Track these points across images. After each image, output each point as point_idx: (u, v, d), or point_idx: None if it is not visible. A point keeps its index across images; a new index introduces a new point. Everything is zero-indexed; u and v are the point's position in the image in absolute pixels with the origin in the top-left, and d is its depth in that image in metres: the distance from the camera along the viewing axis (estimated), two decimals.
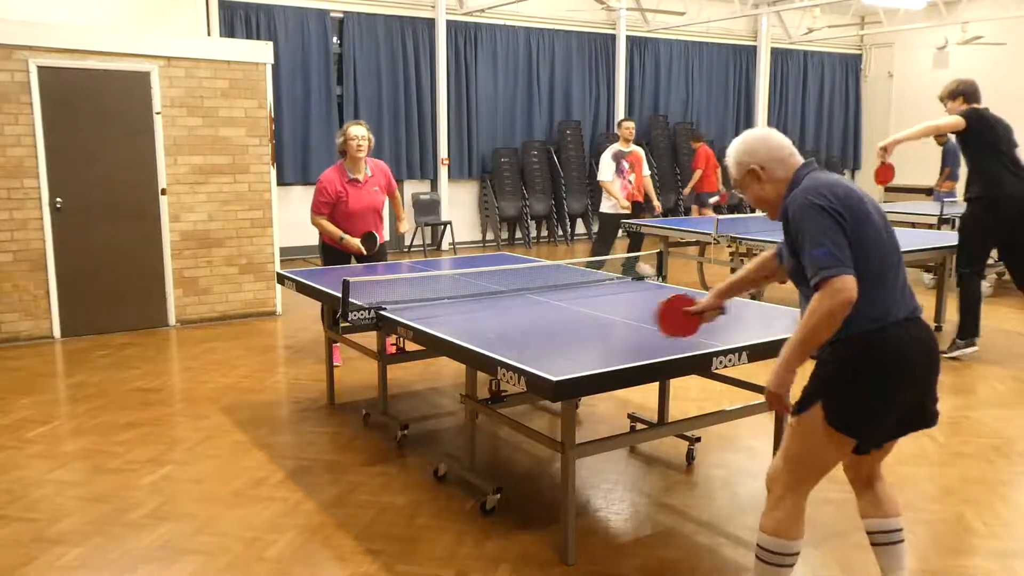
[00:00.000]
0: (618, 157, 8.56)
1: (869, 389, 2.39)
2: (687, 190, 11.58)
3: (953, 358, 5.82)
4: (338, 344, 5.57)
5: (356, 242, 5.37)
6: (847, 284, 2.26)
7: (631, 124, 8.72)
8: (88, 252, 6.59)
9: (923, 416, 2.56)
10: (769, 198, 2.54)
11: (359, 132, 5.41)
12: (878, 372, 2.39)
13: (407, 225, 5.76)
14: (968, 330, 5.89)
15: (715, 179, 11.32)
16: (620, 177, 8.56)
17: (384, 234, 5.67)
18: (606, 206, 8.62)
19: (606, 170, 8.56)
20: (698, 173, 11.23)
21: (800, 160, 2.53)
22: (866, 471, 2.68)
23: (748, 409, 3.65)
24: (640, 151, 8.79)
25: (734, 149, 2.57)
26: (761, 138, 2.55)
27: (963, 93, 5.78)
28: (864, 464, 2.66)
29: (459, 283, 4.58)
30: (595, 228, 13.16)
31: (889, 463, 4.00)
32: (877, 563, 2.69)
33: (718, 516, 3.49)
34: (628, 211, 8.56)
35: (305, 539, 3.28)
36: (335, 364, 5.54)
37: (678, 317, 2.87)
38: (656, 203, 9.16)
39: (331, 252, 5.55)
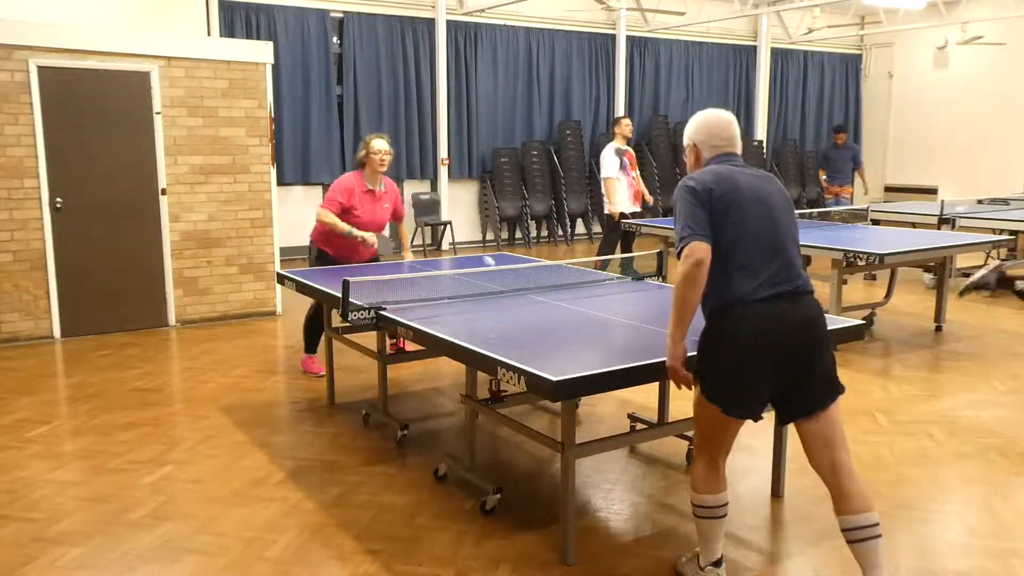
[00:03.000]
0: (620, 154, 8.52)
1: (719, 363, 2.67)
2: None
3: None
4: (315, 355, 5.56)
5: (369, 235, 5.20)
6: (695, 249, 2.57)
7: (630, 123, 8.68)
8: (88, 252, 6.59)
9: (805, 397, 2.69)
10: (693, 171, 2.85)
11: (382, 147, 5.26)
12: (724, 348, 2.65)
13: (409, 256, 5.68)
14: None
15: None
16: (624, 174, 8.50)
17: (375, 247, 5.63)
18: (608, 208, 8.53)
19: (610, 166, 8.39)
20: None
21: (726, 151, 2.84)
22: (822, 461, 2.72)
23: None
24: (631, 150, 8.76)
25: (690, 121, 2.92)
26: (709, 122, 2.87)
27: None
28: (814, 452, 2.74)
29: (459, 283, 4.58)
30: (595, 228, 13.20)
31: (889, 462, 4.02)
32: (858, 565, 2.67)
33: None
34: (638, 208, 8.52)
35: (305, 539, 3.28)
36: (320, 375, 5.49)
37: None
38: (649, 198, 9.05)
39: (325, 257, 5.41)
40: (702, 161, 2.85)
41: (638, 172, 8.82)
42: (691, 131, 2.89)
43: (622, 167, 8.47)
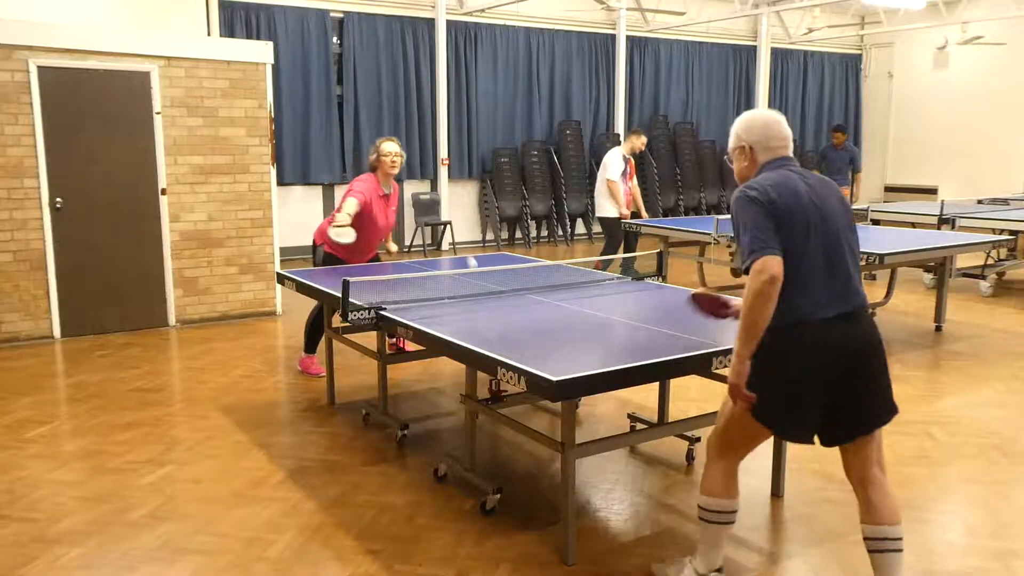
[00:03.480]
0: (624, 160, 8.52)
1: (775, 384, 2.53)
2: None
3: None
4: (314, 355, 5.56)
5: (347, 236, 4.97)
6: (768, 264, 2.41)
7: (645, 139, 8.62)
8: (88, 252, 6.59)
9: (859, 418, 2.61)
10: (746, 177, 2.71)
11: (393, 149, 5.28)
12: (783, 369, 2.52)
13: (394, 247, 5.69)
14: None
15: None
16: (623, 182, 8.50)
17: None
18: (609, 210, 8.48)
19: (615, 169, 8.39)
20: None
21: (782, 155, 2.68)
22: (856, 474, 2.69)
23: None
24: (633, 160, 8.74)
25: (739, 120, 2.73)
26: (763, 122, 2.69)
27: None
28: (850, 466, 2.70)
29: (459, 283, 4.58)
30: (596, 228, 13.19)
31: (889, 462, 4.00)
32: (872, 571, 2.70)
33: None
34: (627, 218, 8.51)
35: (305, 539, 3.28)
36: (319, 375, 5.51)
37: (711, 307, 3.02)
38: (644, 214, 9.06)
39: (329, 259, 5.38)
40: (756, 164, 2.68)
41: (635, 182, 8.79)
42: (743, 131, 2.70)
43: (623, 173, 8.48)
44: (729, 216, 2.66)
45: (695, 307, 3.04)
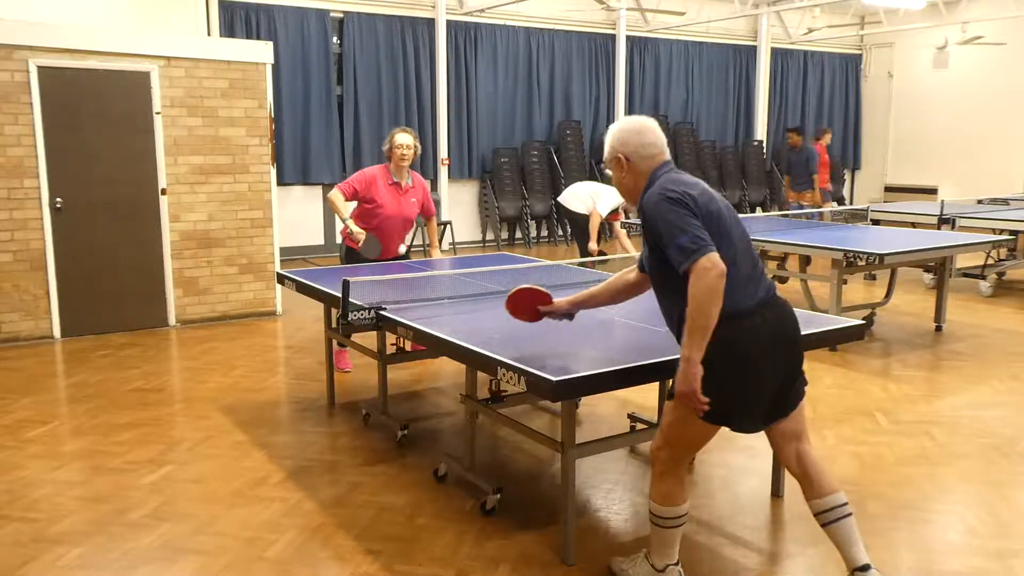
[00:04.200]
0: (617, 206, 8.18)
1: (725, 381, 2.52)
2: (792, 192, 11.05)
3: None
4: (346, 348, 5.57)
5: (360, 232, 5.16)
6: (714, 260, 2.41)
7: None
8: (88, 252, 6.59)
9: (793, 393, 2.72)
10: (628, 187, 2.75)
11: (405, 140, 5.38)
12: (731, 364, 2.53)
13: (439, 253, 5.67)
14: None
15: (825, 178, 10.98)
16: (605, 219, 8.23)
17: (403, 246, 5.65)
18: (581, 208, 8.13)
19: (606, 206, 7.99)
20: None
21: (664, 159, 2.72)
22: (790, 452, 2.76)
23: None
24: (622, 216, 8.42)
25: (611, 132, 2.75)
26: (636, 130, 2.72)
27: None
28: (782, 446, 2.78)
29: (459, 283, 4.58)
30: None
31: (889, 462, 4.02)
32: (835, 546, 2.75)
33: (718, 516, 3.49)
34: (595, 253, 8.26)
35: (305, 539, 3.28)
36: (347, 370, 5.55)
37: (527, 305, 3.11)
38: (629, 247, 8.89)
39: (352, 254, 5.41)
40: (637, 173, 2.69)
41: (618, 226, 8.45)
42: (617, 143, 2.71)
43: (614, 210, 8.14)
44: (639, 222, 2.68)
45: (513, 307, 3.11)
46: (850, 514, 2.70)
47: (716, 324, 2.45)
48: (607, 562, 3.08)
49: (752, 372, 2.56)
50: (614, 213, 8.30)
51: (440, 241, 11.66)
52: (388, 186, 5.34)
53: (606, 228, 8.59)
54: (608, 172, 2.79)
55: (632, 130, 2.71)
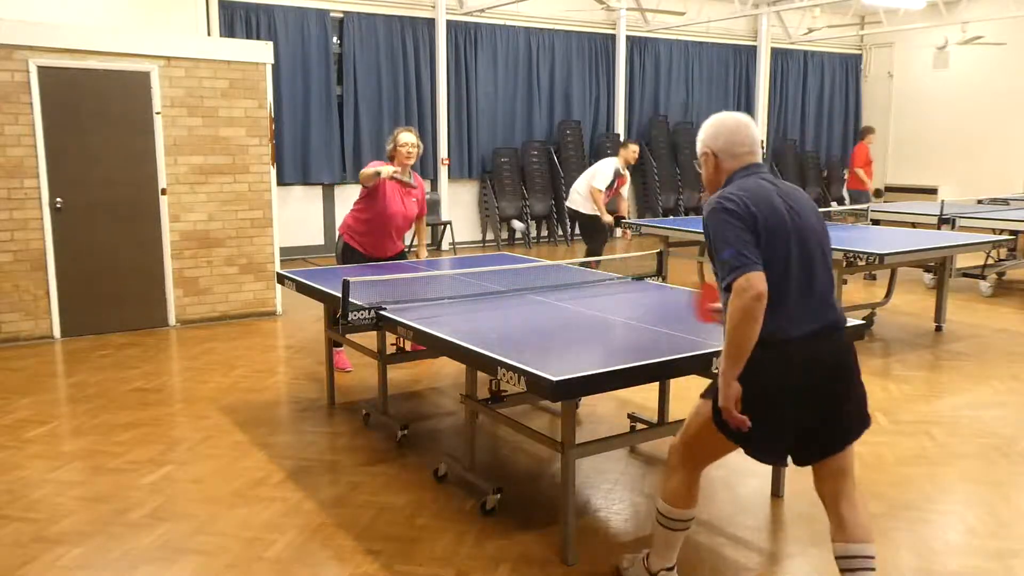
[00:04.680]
0: (616, 175, 8.37)
1: (748, 403, 2.41)
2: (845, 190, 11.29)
3: None
4: (342, 348, 5.57)
5: (396, 169, 5.16)
6: (752, 281, 2.29)
7: (637, 148, 8.50)
8: (88, 252, 6.59)
9: (832, 437, 2.54)
10: (712, 184, 2.62)
11: (409, 139, 5.38)
12: (757, 389, 2.40)
13: (425, 253, 5.71)
14: None
15: (868, 177, 11.03)
16: (607, 194, 8.34)
17: (402, 244, 5.66)
18: (587, 208, 8.27)
19: (602, 180, 8.20)
20: (859, 172, 10.98)
21: (751, 161, 2.57)
22: (828, 490, 2.59)
23: None
24: (627, 176, 8.61)
25: (705, 125, 2.64)
26: (728, 127, 2.59)
27: None
28: (821, 481, 2.61)
29: (459, 283, 4.58)
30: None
31: (889, 462, 4.02)
32: None
33: (718, 516, 3.50)
34: (611, 224, 8.40)
35: (305, 539, 3.28)
36: (347, 370, 5.56)
37: (703, 307, 2.93)
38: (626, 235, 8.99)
39: (350, 251, 5.43)
40: (722, 171, 2.58)
41: (623, 193, 8.64)
42: (707, 138, 2.60)
43: (609, 187, 8.30)
44: (702, 228, 2.55)
45: (697, 298, 2.96)
46: (873, 569, 2.51)
47: (758, 346, 2.36)
48: (607, 562, 3.08)
49: (771, 405, 2.43)
50: (620, 178, 8.38)
51: (440, 240, 11.79)
52: (397, 183, 5.33)
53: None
54: (698, 168, 2.69)
55: (725, 126, 2.59)
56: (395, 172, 5.17)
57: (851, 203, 10.95)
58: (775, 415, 2.45)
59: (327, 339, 5.03)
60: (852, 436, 2.56)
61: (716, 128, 2.60)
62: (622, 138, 12.96)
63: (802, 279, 2.45)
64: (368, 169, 5.21)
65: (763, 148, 14.98)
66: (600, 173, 8.30)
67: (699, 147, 2.65)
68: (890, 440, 4.34)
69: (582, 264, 5.63)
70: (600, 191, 8.20)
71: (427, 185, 11.98)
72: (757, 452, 2.54)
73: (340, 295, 3.78)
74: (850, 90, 16.29)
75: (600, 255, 8.14)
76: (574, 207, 8.44)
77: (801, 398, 2.45)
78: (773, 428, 2.46)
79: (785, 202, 2.48)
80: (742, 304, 2.30)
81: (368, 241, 5.40)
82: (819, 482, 2.61)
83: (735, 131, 2.58)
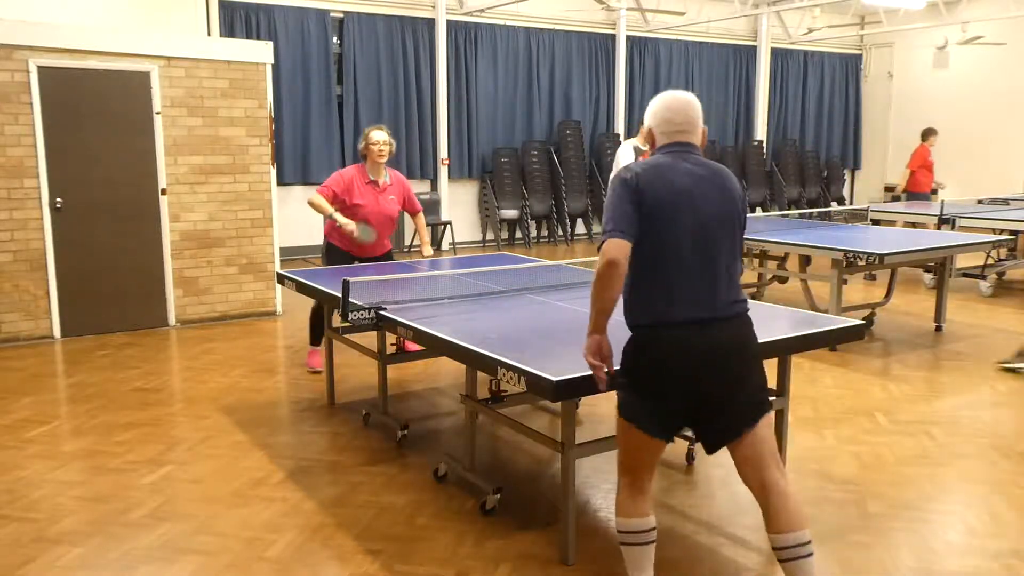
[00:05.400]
0: (637, 152, 8.40)
1: (633, 380, 2.56)
2: (899, 189, 10.98)
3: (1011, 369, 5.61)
4: (318, 348, 5.58)
5: (350, 223, 5.16)
6: (611, 247, 2.43)
7: None
8: (88, 252, 6.59)
9: (724, 423, 2.55)
10: (633, 164, 2.73)
11: (380, 137, 5.35)
12: (638, 367, 2.54)
13: (429, 251, 5.65)
14: None
15: (927, 179, 10.84)
16: None
17: (389, 243, 5.65)
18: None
19: (626, 162, 8.31)
20: (907, 173, 10.83)
21: (680, 139, 2.61)
22: (753, 479, 2.59)
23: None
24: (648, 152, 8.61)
25: (651, 102, 2.71)
26: (666, 105, 2.64)
27: None
28: (744, 472, 2.61)
29: (459, 283, 4.58)
30: (596, 228, 13.19)
31: (889, 462, 4.02)
32: None
33: (718, 516, 3.50)
34: None
35: (305, 539, 3.28)
36: (317, 370, 5.55)
37: None
38: None
39: (335, 252, 5.48)
40: (653, 147, 2.65)
41: None
42: (648, 113, 2.68)
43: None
44: None
45: None
46: (810, 554, 2.51)
47: (632, 325, 2.55)
48: (607, 562, 3.08)
49: (650, 382, 2.52)
50: (643, 154, 8.35)
51: (440, 240, 11.78)
52: (365, 185, 5.31)
53: None
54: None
55: (663, 103, 2.64)
56: (351, 230, 5.17)
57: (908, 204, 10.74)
58: (655, 392, 2.52)
59: (327, 339, 5.03)
60: (746, 424, 2.54)
61: (657, 105, 2.67)
62: (622, 139, 12.96)
63: (692, 261, 2.49)
64: (319, 200, 5.23)
65: (763, 147, 15.05)
66: (622, 158, 8.26)
67: (643, 124, 2.75)
68: (890, 440, 4.34)
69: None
70: None
71: (427, 185, 11.99)
72: (644, 426, 2.54)
73: (340, 295, 3.79)
74: (850, 90, 16.29)
75: None
76: None
77: (680, 381, 2.50)
78: (655, 405, 2.53)
79: (692, 181, 2.52)
80: (598, 267, 2.46)
81: (352, 244, 5.40)
82: (742, 473, 2.62)
83: (671, 108, 2.62)
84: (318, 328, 5.58)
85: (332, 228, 5.45)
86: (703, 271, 2.50)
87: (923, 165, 10.90)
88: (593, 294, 2.49)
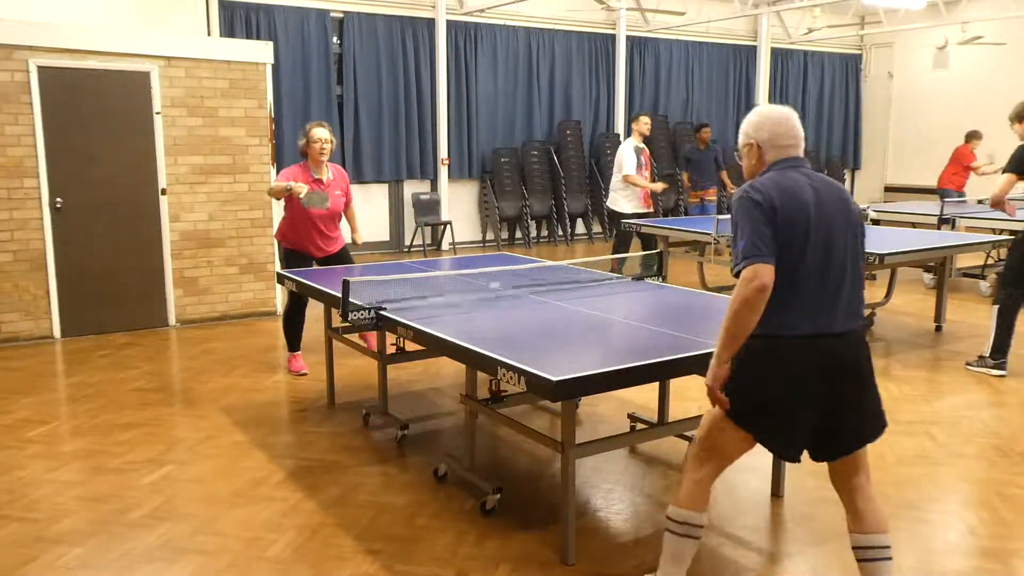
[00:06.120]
0: (637, 152, 8.42)
1: (753, 392, 2.50)
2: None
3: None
4: (298, 353, 5.59)
5: (301, 186, 5.14)
6: (759, 272, 2.36)
7: (648, 120, 8.48)
8: (88, 252, 6.59)
9: (843, 437, 2.57)
10: (753, 174, 2.63)
11: (323, 135, 5.37)
12: (760, 379, 2.49)
13: (362, 237, 5.76)
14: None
15: (959, 179, 10.75)
16: (640, 173, 8.41)
17: (341, 239, 5.67)
18: (622, 206, 8.38)
19: (629, 164, 8.29)
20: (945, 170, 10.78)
21: (793, 154, 2.58)
22: (842, 484, 2.65)
23: None
24: (647, 148, 8.64)
25: (750, 116, 2.65)
26: (774, 120, 2.60)
27: None
28: (836, 476, 2.66)
29: (459, 283, 4.58)
30: (595, 228, 13.19)
31: (889, 462, 4.02)
32: None
33: (718, 516, 3.49)
34: (647, 209, 8.46)
35: (305, 539, 3.28)
36: (302, 372, 5.55)
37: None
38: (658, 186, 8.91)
39: (291, 255, 5.51)
40: (763, 162, 2.58)
41: (651, 172, 8.70)
42: (752, 129, 2.61)
43: (639, 166, 8.37)
44: (729, 216, 2.59)
45: None
46: (890, 558, 2.58)
47: (756, 335, 2.43)
48: (607, 562, 3.08)
49: (775, 398, 2.49)
50: (644, 151, 8.43)
51: (440, 240, 11.79)
52: (309, 183, 5.30)
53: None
54: (739, 160, 2.71)
55: (770, 118, 2.60)
56: (295, 188, 5.15)
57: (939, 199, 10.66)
58: (781, 408, 2.49)
59: (327, 339, 5.03)
60: (866, 439, 2.59)
61: (761, 119, 2.61)
62: (622, 138, 12.96)
63: (820, 277, 2.46)
64: (279, 183, 5.26)
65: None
66: (624, 160, 8.36)
67: (742, 138, 2.65)
68: (890, 440, 4.34)
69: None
70: (632, 175, 8.31)
71: (427, 185, 11.99)
72: (766, 441, 2.57)
73: (340, 295, 3.79)
74: (850, 90, 16.28)
75: (623, 251, 8.23)
76: (612, 207, 8.60)
77: (804, 395, 2.48)
78: (780, 421, 2.51)
79: (816, 196, 2.49)
80: (745, 292, 2.36)
81: (300, 241, 5.46)
82: (834, 476, 2.66)
83: (779, 123, 2.59)
84: (295, 332, 5.60)
85: (281, 233, 5.53)
86: (830, 285, 2.48)
87: (958, 163, 10.86)
88: (735, 320, 2.40)
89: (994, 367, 5.53)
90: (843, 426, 2.55)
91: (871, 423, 2.59)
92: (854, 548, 2.63)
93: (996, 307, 5.54)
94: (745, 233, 2.41)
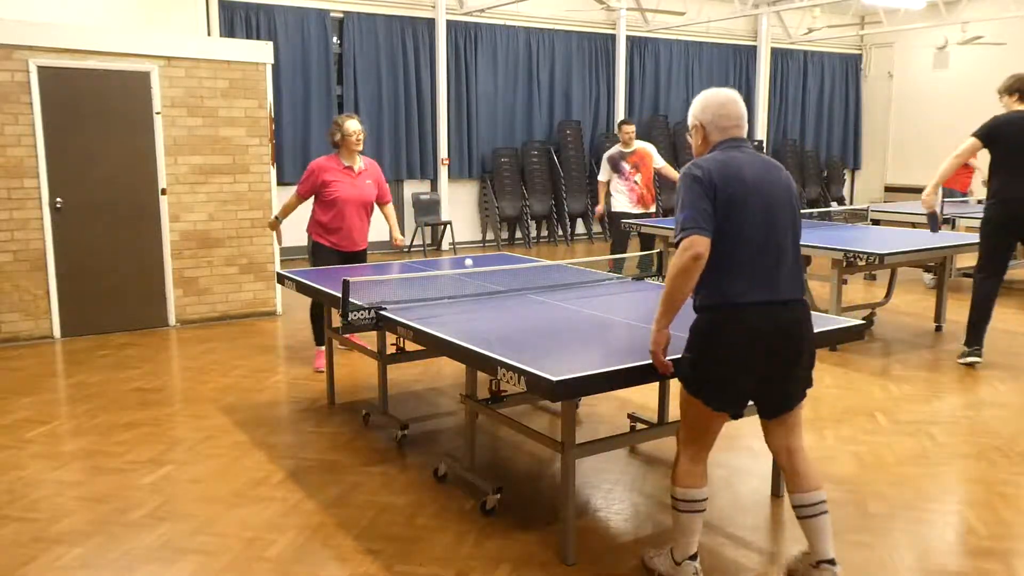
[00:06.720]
0: (617, 159, 8.49)
1: (705, 360, 2.69)
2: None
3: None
4: (322, 348, 5.59)
5: (278, 226, 5.61)
6: (695, 242, 2.54)
7: (630, 128, 8.49)
8: (88, 252, 6.59)
9: (780, 398, 2.82)
10: (699, 154, 2.80)
11: (356, 127, 5.52)
12: (710, 346, 2.68)
13: (400, 239, 5.78)
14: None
15: (963, 179, 10.46)
16: (622, 179, 8.46)
17: (368, 235, 5.69)
18: (616, 205, 8.54)
19: (603, 170, 8.61)
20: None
21: (735, 135, 2.75)
22: (780, 444, 2.88)
23: (748, 409, 3.64)
24: (646, 147, 8.57)
25: (696, 99, 2.83)
26: (718, 102, 2.77)
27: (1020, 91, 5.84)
28: (773, 438, 2.90)
29: (459, 283, 4.58)
30: (595, 228, 13.19)
31: (889, 463, 4.02)
32: (806, 539, 2.86)
33: (718, 516, 3.49)
34: (642, 210, 8.50)
35: (305, 539, 3.28)
36: (319, 370, 5.55)
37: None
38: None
39: (321, 249, 5.52)
40: (708, 143, 2.76)
41: (661, 164, 8.65)
42: (697, 110, 2.78)
43: (619, 171, 8.43)
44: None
45: None
46: (826, 512, 2.81)
47: (706, 307, 2.66)
48: (607, 562, 3.09)
49: (721, 361, 2.66)
50: (629, 156, 8.50)
51: (440, 240, 11.78)
52: (341, 171, 5.45)
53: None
54: (688, 139, 2.89)
55: (714, 101, 2.77)
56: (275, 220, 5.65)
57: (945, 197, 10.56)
58: (725, 372, 2.68)
59: (327, 339, 5.03)
60: (796, 400, 2.84)
61: (706, 102, 2.78)
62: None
63: (761, 249, 2.64)
64: (288, 201, 5.59)
65: (763, 147, 15.05)
66: (601, 165, 8.71)
67: (690, 119, 2.84)
68: (890, 440, 4.34)
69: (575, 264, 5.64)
70: (602, 181, 8.67)
71: (427, 185, 11.99)
72: (711, 402, 2.72)
73: (340, 295, 3.79)
74: (850, 90, 16.29)
75: (620, 252, 8.33)
76: (612, 208, 8.78)
77: (749, 359, 2.66)
78: (724, 383, 2.70)
79: (756, 174, 2.66)
80: (681, 261, 2.56)
81: (337, 236, 5.50)
82: (771, 438, 2.91)
83: (723, 105, 2.76)
84: (320, 326, 5.59)
85: (315, 226, 5.58)
86: (771, 257, 2.66)
87: (965, 165, 10.78)
88: (671, 288, 2.59)
89: (969, 354, 5.63)
90: (778, 388, 2.79)
91: (802, 386, 2.83)
92: (795, 507, 2.84)
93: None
94: (685, 206, 2.60)
